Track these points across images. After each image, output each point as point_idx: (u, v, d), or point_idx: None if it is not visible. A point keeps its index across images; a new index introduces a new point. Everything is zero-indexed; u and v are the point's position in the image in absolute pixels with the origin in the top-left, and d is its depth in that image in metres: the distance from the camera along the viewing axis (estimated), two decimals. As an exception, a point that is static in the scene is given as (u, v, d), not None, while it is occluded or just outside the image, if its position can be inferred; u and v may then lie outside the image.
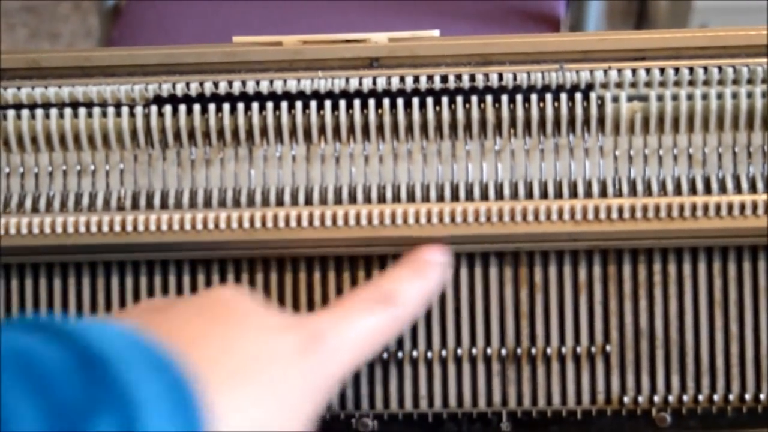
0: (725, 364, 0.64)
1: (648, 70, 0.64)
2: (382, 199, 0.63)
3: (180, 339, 0.45)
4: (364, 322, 0.54)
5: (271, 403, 0.46)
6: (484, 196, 0.63)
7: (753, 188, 0.63)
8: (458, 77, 0.64)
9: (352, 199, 0.63)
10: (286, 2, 1.38)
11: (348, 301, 0.56)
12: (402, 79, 0.64)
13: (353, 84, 0.64)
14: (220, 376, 0.44)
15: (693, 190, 0.63)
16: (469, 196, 0.63)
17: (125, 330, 0.43)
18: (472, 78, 0.64)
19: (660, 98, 0.63)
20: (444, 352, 0.64)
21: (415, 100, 0.64)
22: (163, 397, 0.40)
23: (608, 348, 0.64)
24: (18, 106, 0.64)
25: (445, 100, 0.64)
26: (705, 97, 0.63)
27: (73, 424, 0.37)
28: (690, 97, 0.63)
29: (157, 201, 0.64)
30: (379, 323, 0.55)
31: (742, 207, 0.62)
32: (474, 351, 0.64)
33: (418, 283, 0.59)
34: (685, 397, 0.64)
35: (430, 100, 0.64)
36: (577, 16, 1.47)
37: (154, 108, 0.64)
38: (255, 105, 0.64)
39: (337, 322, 0.53)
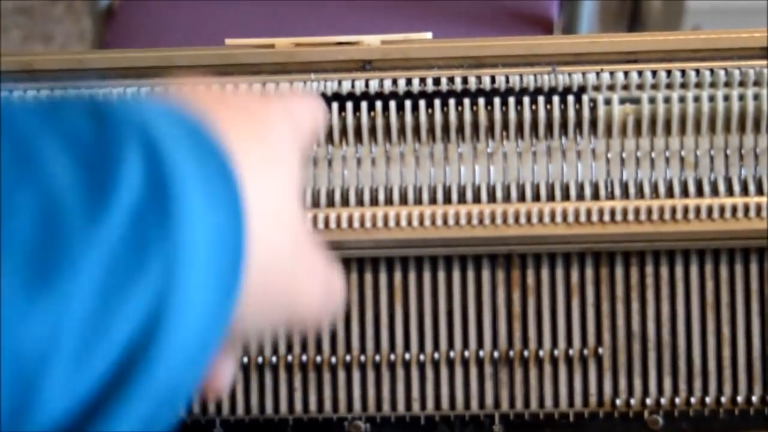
0: (717, 366, 0.64)
1: (640, 73, 0.64)
2: (374, 201, 0.63)
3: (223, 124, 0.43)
4: (301, 99, 0.52)
5: (265, 137, 0.44)
6: (477, 199, 0.63)
7: (745, 191, 0.63)
8: (450, 80, 0.64)
9: (345, 202, 0.63)
10: (278, 4, 1.37)
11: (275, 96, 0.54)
12: (394, 82, 0.64)
13: (346, 86, 0.64)
14: (226, 111, 0.43)
15: (685, 193, 0.63)
16: (462, 199, 0.63)
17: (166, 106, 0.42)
18: (465, 80, 0.64)
19: (652, 101, 0.63)
20: (436, 355, 0.64)
21: (408, 103, 0.64)
22: (182, 133, 0.39)
23: (600, 350, 0.64)
24: (10, 109, 0.64)
25: (437, 102, 0.64)
26: (697, 99, 0.63)
27: (100, 162, 0.36)
28: (682, 99, 0.63)
29: (149, 204, 0.64)
30: (311, 104, 0.52)
31: (734, 209, 0.62)
32: (466, 353, 0.64)
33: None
34: (677, 400, 0.64)
35: (422, 103, 0.64)
36: (570, 18, 1.47)
37: (146, 110, 0.64)
38: (247, 107, 0.64)
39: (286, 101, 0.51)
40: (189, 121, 0.40)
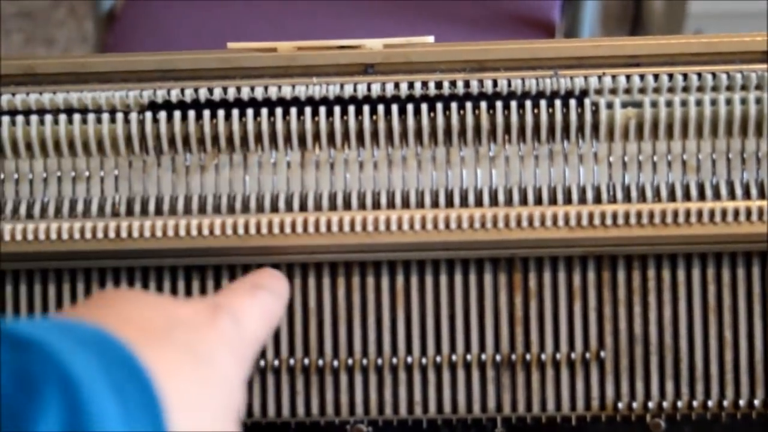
0: (719, 370, 0.64)
1: (642, 77, 0.64)
2: (376, 205, 0.64)
3: (107, 321, 0.44)
4: (254, 297, 0.54)
5: (199, 364, 0.45)
6: (479, 202, 0.63)
7: (747, 194, 0.63)
8: (453, 83, 0.64)
9: (347, 206, 0.64)
10: (281, 8, 1.38)
11: (229, 288, 0.56)
12: (397, 86, 0.64)
13: (348, 90, 0.64)
14: (152, 343, 0.43)
15: (687, 197, 0.63)
16: (464, 203, 0.63)
17: (54, 319, 0.43)
18: (467, 84, 0.64)
19: (654, 104, 0.63)
20: (438, 358, 0.64)
21: (410, 107, 0.64)
22: (102, 365, 0.40)
23: (603, 354, 0.64)
24: (13, 113, 0.64)
25: (439, 106, 0.64)
26: (699, 103, 0.63)
27: (19, 411, 0.36)
28: (684, 103, 0.63)
29: (151, 207, 0.64)
30: (267, 299, 0.55)
31: (736, 213, 0.62)
32: (469, 357, 0.64)
33: (274, 280, 0.58)
34: (679, 403, 0.64)
35: (424, 107, 0.64)
36: (572, 21, 1.47)
37: (148, 114, 0.64)
38: (250, 111, 0.64)
39: (232, 296, 0.53)
40: (115, 355, 0.41)
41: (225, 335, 0.48)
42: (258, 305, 0.53)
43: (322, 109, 0.64)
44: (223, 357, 0.47)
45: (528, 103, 0.64)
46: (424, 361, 0.64)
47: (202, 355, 0.45)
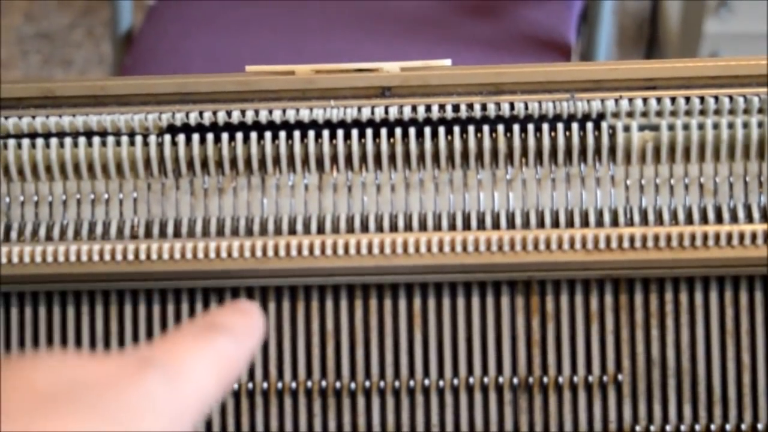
0: (737, 393, 0.64)
1: (659, 100, 0.64)
2: (394, 228, 0.64)
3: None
4: (205, 344, 0.44)
5: (112, 430, 0.38)
6: (496, 225, 0.64)
7: (764, 217, 0.63)
8: (470, 106, 0.64)
9: (365, 228, 0.64)
10: (299, 32, 1.38)
11: (174, 332, 0.46)
12: (414, 109, 0.64)
13: (365, 113, 0.64)
14: (44, 410, 0.37)
15: (704, 220, 0.63)
16: (481, 225, 0.64)
17: None
18: (484, 107, 0.64)
19: (671, 128, 0.63)
20: (456, 381, 0.64)
21: (427, 130, 0.64)
22: None
23: (620, 377, 0.64)
24: (33, 135, 0.65)
25: (456, 129, 0.64)
26: (716, 126, 0.63)
27: None
28: (701, 126, 0.63)
29: (170, 229, 0.64)
30: (224, 344, 0.45)
31: (754, 236, 0.62)
32: (486, 380, 0.64)
33: (241, 317, 0.47)
34: (697, 427, 0.64)
35: (442, 130, 0.64)
36: (588, 43, 1.48)
37: (167, 137, 0.64)
38: (268, 134, 0.64)
39: (171, 345, 0.44)
40: None
41: (151, 396, 0.40)
42: (209, 354, 0.44)
43: (340, 132, 0.64)
44: (147, 423, 0.39)
45: (545, 126, 0.64)
46: (441, 383, 0.64)
47: (117, 420, 0.38)
